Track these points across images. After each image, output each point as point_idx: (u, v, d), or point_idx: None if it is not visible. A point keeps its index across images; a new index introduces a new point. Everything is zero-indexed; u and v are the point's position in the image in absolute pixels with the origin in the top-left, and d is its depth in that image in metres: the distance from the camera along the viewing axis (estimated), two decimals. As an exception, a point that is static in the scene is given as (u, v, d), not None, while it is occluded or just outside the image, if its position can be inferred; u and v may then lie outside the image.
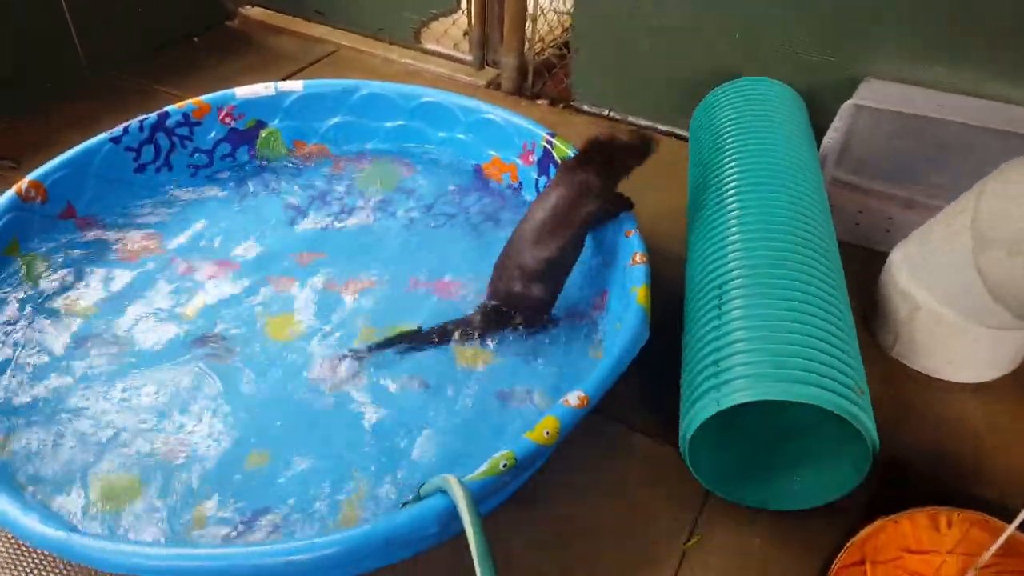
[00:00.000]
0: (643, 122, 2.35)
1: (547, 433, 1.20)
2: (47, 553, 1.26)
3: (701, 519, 1.35)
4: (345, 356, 1.54)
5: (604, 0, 2.20)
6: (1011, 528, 1.09)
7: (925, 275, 1.57)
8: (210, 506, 1.29)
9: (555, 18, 2.58)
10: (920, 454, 1.46)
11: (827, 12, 1.92)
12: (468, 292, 1.69)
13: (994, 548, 1.11)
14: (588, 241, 1.75)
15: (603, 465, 1.43)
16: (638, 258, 1.52)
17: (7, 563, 1.26)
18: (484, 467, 1.15)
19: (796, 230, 1.47)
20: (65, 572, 1.25)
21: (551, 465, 1.36)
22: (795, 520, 1.34)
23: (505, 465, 1.15)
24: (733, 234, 1.49)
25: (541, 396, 1.48)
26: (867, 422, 1.19)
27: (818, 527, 1.33)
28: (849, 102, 1.85)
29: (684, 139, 2.21)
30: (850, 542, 1.22)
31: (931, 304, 1.55)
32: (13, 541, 1.28)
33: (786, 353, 1.23)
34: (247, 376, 1.50)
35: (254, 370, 1.52)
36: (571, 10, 2.37)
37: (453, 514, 1.03)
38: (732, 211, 1.54)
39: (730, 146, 1.73)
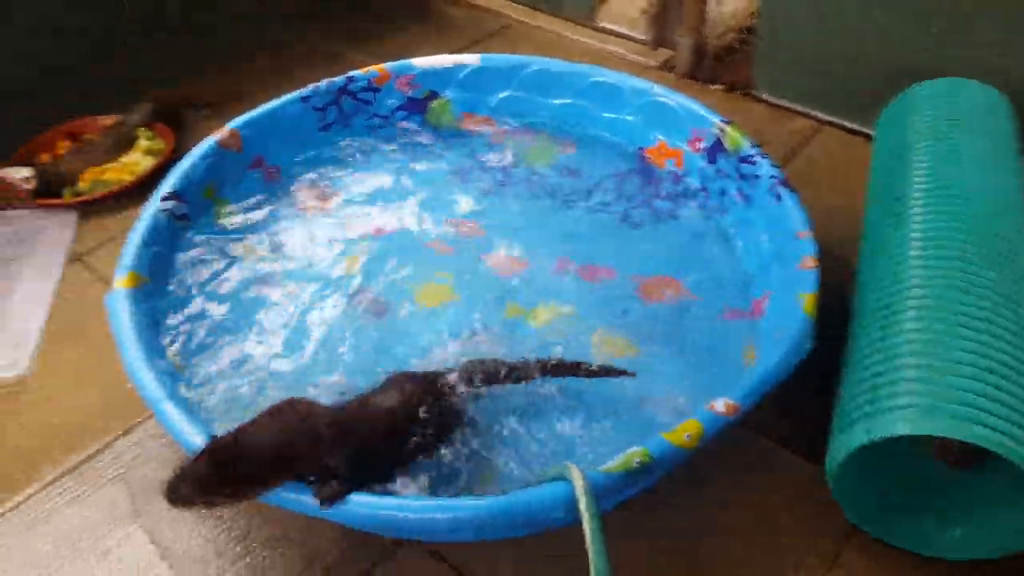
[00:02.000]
0: (827, 116, 2.20)
1: (688, 437, 1.15)
2: None
3: (844, 552, 1.25)
4: (480, 331, 1.55)
5: (801, -15, 2.06)
6: None
7: None
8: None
9: (742, 2, 2.45)
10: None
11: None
12: (613, 279, 1.67)
13: None
14: (753, 237, 1.69)
15: (739, 477, 1.36)
16: (809, 262, 1.42)
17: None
18: (617, 461, 1.13)
19: (988, 252, 1.32)
20: None
21: (682, 468, 1.30)
22: (952, 571, 1.21)
23: (639, 462, 1.12)
24: (915, 249, 1.36)
25: (684, 396, 1.42)
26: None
27: (979, 583, 1.20)
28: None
29: (871, 138, 2.05)
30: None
31: None
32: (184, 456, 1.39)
33: (957, 386, 1.11)
34: (394, 336, 1.56)
35: (401, 331, 1.57)
36: (760, -7, 2.25)
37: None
38: (916, 223, 1.41)
39: (921, 153, 1.58)
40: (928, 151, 1.58)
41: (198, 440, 1.18)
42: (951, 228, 1.37)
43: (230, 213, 1.83)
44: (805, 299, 1.34)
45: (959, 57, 1.85)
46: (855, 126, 2.15)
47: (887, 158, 1.67)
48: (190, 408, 1.29)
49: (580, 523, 0.99)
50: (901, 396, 1.13)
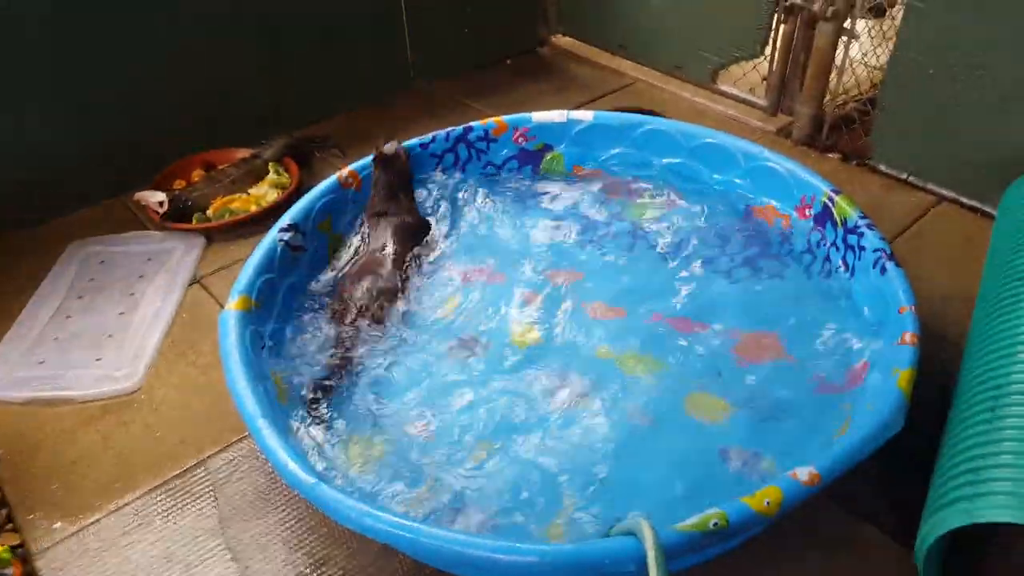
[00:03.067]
0: (945, 192, 2.13)
1: (767, 503, 1.14)
2: (296, 495, 1.42)
3: (930, 642, 1.19)
4: (572, 373, 1.58)
5: (924, 59, 2.03)
6: None
7: None
8: (432, 484, 1.39)
9: (864, 72, 2.42)
10: None
11: None
12: (708, 334, 1.67)
13: None
14: (854, 307, 1.66)
15: (821, 553, 1.31)
16: (908, 338, 1.38)
17: (263, 494, 1.46)
18: (693, 520, 1.12)
19: None
20: (303, 515, 1.42)
21: (762, 538, 1.28)
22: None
23: (716, 524, 1.11)
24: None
25: (770, 462, 1.40)
26: None
27: None
28: None
29: (992, 217, 1.96)
30: None
31: None
32: (273, 478, 1.48)
33: None
34: (488, 375, 1.61)
35: (495, 371, 1.62)
36: (884, 65, 2.22)
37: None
38: None
39: None
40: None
41: (285, 459, 1.24)
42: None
43: (343, 247, 1.94)
44: (900, 375, 1.30)
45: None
46: (973, 203, 2.08)
47: (1007, 239, 1.60)
48: (284, 429, 1.35)
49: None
50: (1002, 482, 1.08)
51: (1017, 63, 1.86)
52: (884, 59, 2.26)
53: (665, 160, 2.11)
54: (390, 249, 1.87)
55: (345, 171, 1.97)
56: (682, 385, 1.56)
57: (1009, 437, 1.14)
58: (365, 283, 1.79)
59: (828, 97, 2.36)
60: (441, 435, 1.49)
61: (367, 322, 1.71)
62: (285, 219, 1.80)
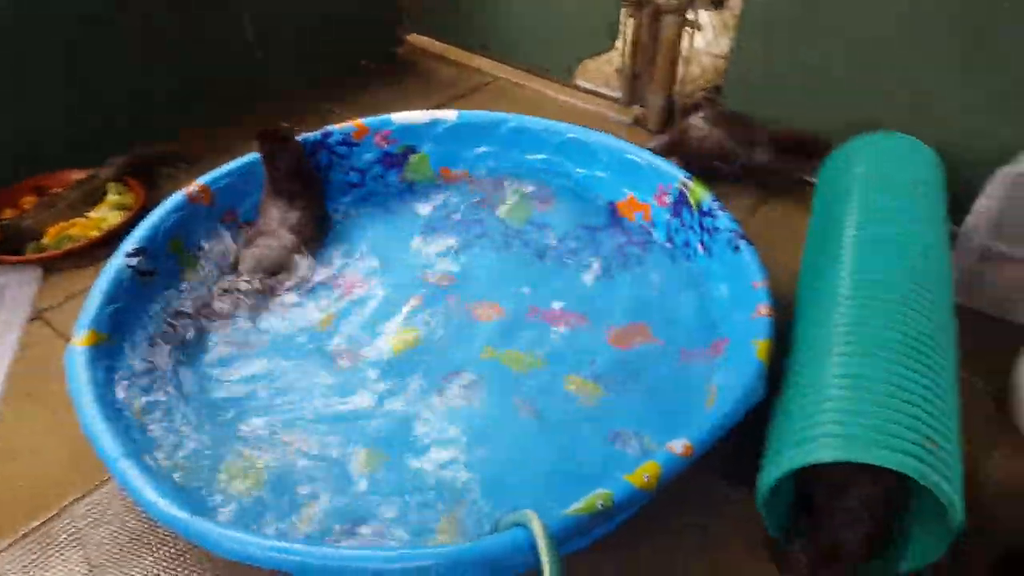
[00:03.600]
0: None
1: (647, 478, 1.19)
2: (170, 531, 1.34)
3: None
4: (457, 373, 1.59)
5: (763, 48, 2.17)
6: None
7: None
8: (316, 505, 1.36)
9: (709, 61, 2.56)
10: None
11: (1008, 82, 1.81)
12: (585, 325, 1.72)
13: None
14: (714, 286, 1.76)
15: (697, 516, 1.39)
16: (762, 310, 1.48)
17: (136, 535, 1.38)
18: (580, 504, 1.16)
19: (911, 293, 1.41)
20: (183, 550, 1.35)
21: (640, 513, 1.34)
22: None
23: (602, 505, 1.15)
24: (844, 289, 1.45)
25: (648, 439, 1.46)
26: (931, 475, 1.11)
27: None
28: (1009, 169, 1.72)
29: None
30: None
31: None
32: (145, 517, 1.39)
33: (880, 416, 1.19)
34: (368, 386, 1.59)
35: (377, 378, 1.60)
36: (726, 54, 2.36)
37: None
38: (846, 265, 1.51)
39: (852, 201, 1.68)
40: (859, 201, 1.67)
41: (154, 497, 1.18)
42: (879, 270, 1.46)
43: (197, 268, 1.82)
44: (758, 346, 1.40)
45: (911, 118, 1.96)
46: (814, 180, 2.23)
47: (824, 206, 1.76)
48: (148, 466, 1.28)
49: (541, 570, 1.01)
50: (823, 426, 1.20)
51: (849, 51, 2.02)
52: (727, 48, 2.39)
53: (531, 157, 2.14)
54: (295, 220, 1.90)
55: (194, 186, 1.86)
56: (561, 375, 1.60)
57: (826, 385, 1.28)
58: (256, 250, 1.82)
59: (677, 86, 2.48)
60: (322, 449, 1.46)
61: (250, 294, 1.76)
62: (130, 242, 1.69)
